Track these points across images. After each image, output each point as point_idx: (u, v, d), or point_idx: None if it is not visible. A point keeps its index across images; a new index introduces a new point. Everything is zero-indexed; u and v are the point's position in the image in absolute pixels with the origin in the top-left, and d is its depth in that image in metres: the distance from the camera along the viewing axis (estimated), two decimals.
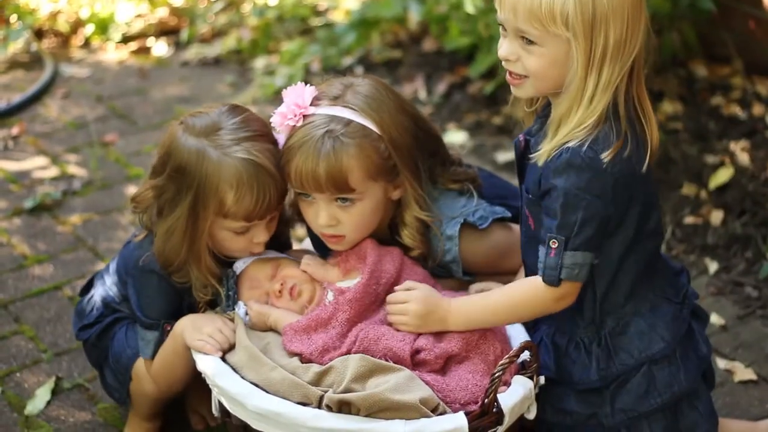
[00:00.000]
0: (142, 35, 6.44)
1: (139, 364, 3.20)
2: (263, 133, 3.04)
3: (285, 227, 3.33)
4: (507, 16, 2.77)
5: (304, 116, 2.98)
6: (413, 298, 2.90)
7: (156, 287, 3.09)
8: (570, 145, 2.72)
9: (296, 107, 2.98)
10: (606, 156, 2.70)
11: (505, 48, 2.81)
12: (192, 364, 3.01)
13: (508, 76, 2.86)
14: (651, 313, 2.92)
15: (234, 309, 3.06)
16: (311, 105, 2.99)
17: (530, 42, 2.76)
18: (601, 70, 2.73)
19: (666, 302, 2.95)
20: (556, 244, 2.76)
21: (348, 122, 2.95)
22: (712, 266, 4.08)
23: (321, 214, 3.00)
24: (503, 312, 2.90)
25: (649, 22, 2.81)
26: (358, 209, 2.99)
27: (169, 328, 3.08)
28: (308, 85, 3.03)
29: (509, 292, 2.90)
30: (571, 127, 2.74)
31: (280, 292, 3.04)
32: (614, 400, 2.91)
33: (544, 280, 2.79)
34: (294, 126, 2.99)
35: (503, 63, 2.84)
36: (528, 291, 2.85)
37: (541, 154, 2.78)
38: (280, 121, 3.00)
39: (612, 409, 2.91)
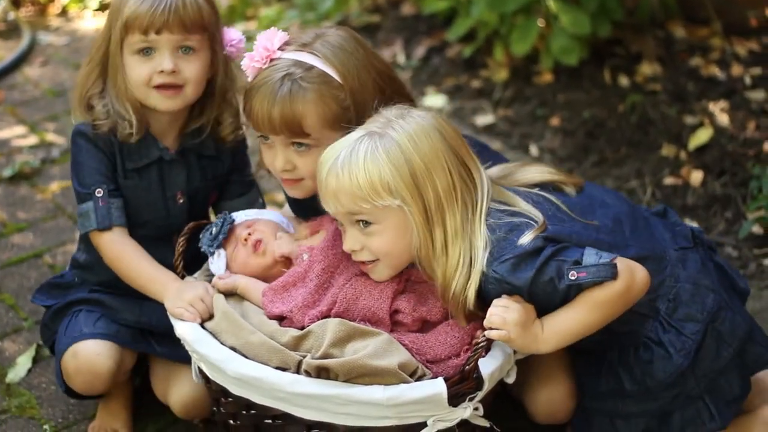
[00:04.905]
0: None
1: (65, 361, 3.14)
2: None
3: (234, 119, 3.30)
4: (334, 208, 2.80)
5: (271, 60, 3.00)
6: (516, 308, 2.72)
7: (84, 148, 3.16)
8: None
9: (264, 50, 3.01)
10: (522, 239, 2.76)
11: (347, 242, 2.84)
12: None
13: (361, 264, 2.88)
14: (686, 271, 2.91)
15: (215, 252, 3.09)
16: (279, 50, 3.01)
17: (367, 223, 2.79)
18: (444, 221, 2.75)
19: (689, 252, 2.96)
20: (575, 274, 2.72)
21: (310, 67, 2.96)
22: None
23: (278, 157, 3.01)
24: (593, 318, 2.76)
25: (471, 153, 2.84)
26: (314, 156, 2.95)
27: (99, 194, 3.12)
28: (282, 31, 3.05)
29: (590, 300, 2.75)
30: (456, 280, 2.77)
31: (246, 240, 3.07)
32: (694, 370, 2.86)
33: (611, 278, 2.70)
34: (260, 68, 3.01)
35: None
36: (605, 291, 2.73)
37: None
38: (248, 63, 3.03)
39: (696, 379, 2.87)
